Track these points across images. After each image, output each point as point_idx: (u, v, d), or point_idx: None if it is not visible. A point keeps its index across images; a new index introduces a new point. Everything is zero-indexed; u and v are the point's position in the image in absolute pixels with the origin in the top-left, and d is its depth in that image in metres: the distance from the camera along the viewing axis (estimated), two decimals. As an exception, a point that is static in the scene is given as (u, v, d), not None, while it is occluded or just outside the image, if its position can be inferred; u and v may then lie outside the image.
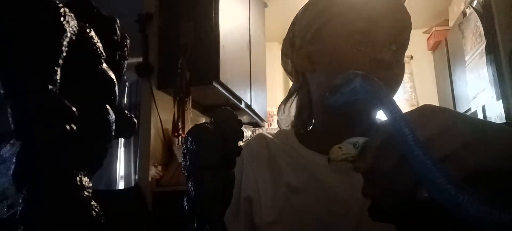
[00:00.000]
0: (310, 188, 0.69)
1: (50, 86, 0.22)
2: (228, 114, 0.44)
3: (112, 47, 0.31)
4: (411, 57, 4.30)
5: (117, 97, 0.30)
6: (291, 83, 0.85)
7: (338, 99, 0.44)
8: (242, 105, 2.51)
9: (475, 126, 0.44)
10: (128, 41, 0.34)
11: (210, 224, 0.39)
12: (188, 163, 0.41)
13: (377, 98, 0.42)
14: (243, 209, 0.71)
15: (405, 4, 0.71)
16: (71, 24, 0.24)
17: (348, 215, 0.65)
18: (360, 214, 0.64)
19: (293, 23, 0.79)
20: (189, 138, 0.41)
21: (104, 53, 0.28)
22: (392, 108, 0.40)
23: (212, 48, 2.03)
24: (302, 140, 0.77)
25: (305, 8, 0.77)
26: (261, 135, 0.81)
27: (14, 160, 0.24)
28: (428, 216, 0.45)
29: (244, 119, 2.88)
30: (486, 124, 0.46)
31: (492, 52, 2.56)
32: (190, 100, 2.05)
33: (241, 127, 0.44)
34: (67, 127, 0.23)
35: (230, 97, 2.29)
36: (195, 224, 0.40)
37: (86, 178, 0.26)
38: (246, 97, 2.55)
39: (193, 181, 0.40)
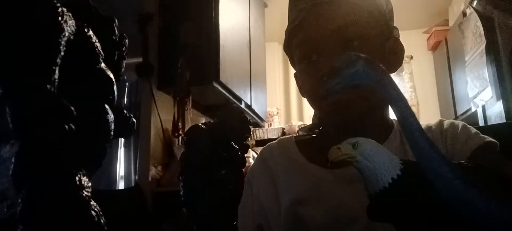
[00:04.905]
0: (314, 199, 0.68)
1: (48, 86, 0.22)
2: (231, 111, 0.42)
3: (110, 47, 0.31)
4: (411, 57, 4.29)
5: (116, 97, 0.30)
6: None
7: (338, 83, 0.41)
8: (242, 106, 2.51)
9: None
10: (127, 40, 0.33)
11: (197, 223, 0.39)
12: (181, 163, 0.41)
13: (381, 84, 0.39)
14: None
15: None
16: (69, 24, 0.24)
17: (357, 223, 0.64)
18: (370, 221, 0.63)
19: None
20: (185, 138, 0.42)
21: (102, 53, 0.28)
22: (397, 96, 0.37)
23: (212, 48, 2.03)
24: (302, 149, 0.76)
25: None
26: (260, 156, 0.80)
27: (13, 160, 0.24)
28: (428, 216, 0.45)
29: (244, 119, 2.87)
30: None
31: (492, 52, 2.56)
32: (190, 100, 2.05)
33: (246, 123, 0.42)
34: (66, 126, 0.23)
35: (230, 97, 2.29)
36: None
37: (85, 178, 0.26)
38: (246, 97, 2.55)
39: (181, 181, 0.40)
